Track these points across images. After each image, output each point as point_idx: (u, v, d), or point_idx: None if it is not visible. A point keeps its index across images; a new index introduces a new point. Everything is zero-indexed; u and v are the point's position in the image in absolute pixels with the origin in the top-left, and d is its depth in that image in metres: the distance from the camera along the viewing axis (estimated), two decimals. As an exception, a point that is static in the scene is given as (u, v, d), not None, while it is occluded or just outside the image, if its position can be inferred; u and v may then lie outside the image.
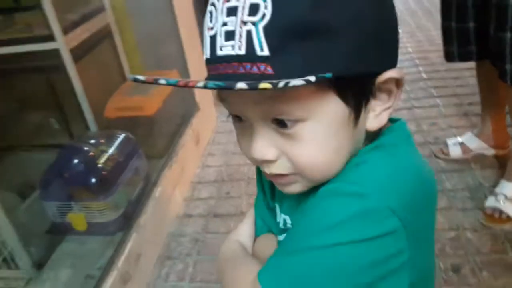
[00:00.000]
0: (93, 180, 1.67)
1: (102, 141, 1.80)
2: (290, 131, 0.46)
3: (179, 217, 2.05)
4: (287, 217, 0.60)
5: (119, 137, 1.85)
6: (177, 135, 2.28)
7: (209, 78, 0.47)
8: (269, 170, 0.50)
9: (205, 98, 2.58)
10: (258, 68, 0.42)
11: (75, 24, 1.99)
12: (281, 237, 0.61)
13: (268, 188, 0.65)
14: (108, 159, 1.74)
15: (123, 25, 2.35)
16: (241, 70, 0.43)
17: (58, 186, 1.67)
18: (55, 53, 1.83)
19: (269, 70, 0.42)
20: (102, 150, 1.75)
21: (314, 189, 0.50)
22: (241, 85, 0.39)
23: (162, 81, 0.43)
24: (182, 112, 2.45)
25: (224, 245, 0.66)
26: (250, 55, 0.42)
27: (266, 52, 0.41)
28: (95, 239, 1.71)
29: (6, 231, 1.47)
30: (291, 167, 0.49)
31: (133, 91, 2.15)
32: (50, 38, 1.81)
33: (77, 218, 1.68)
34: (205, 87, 0.41)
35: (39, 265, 1.59)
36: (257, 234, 0.66)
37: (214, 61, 0.45)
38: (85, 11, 2.13)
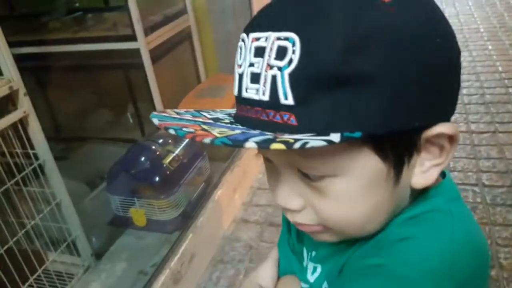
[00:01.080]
0: (157, 178, 1.72)
1: (170, 141, 1.85)
2: (318, 185, 0.42)
3: (236, 221, 2.05)
4: (318, 266, 0.55)
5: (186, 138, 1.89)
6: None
7: (235, 116, 0.44)
8: (293, 218, 0.46)
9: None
10: (282, 117, 0.38)
11: (158, 25, 2.07)
12: (305, 285, 0.57)
13: (295, 230, 0.61)
14: (173, 159, 1.78)
15: (203, 27, 2.41)
16: (264, 117, 0.39)
17: (124, 181, 1.74)
18: (136, 52, 1.92)
19: (293, 121, 0.38)
20: (168, 150, 1.80)
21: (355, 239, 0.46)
22: (251, 144, 0.35)
23: (171, 131, 0.40)
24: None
25: None
26: (274, 102, 0.38)
27: (290, 101, 0.37)
28: (153, 236, 1.76)
29: (72, 219, 1.55)
30: (317, 219, 0.44)
31: (205, 93, 2.19)
32: (133, 38, 1.90)
33: (138, 213, 1.74)
34: (212, 142, 0.37)
35: (98, 255, 1.66)
36: (280, 275, 0.62)
37: (240, 101, 0.42)
38: (168, 12, 2.21)
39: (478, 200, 1.88)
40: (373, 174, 0.41)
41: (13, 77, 1.32)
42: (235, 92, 0.43)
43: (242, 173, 2.15)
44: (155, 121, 0.43)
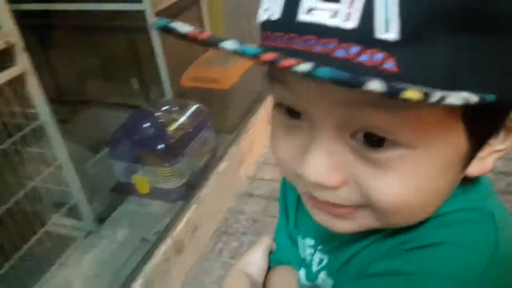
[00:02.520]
0: (161, 145, 1.67)
1: (175, 109, 1.81)
2: (382, 156, 0.31)
3: (240, 194, 2.02)
4: (325, 256, 0.46)
5: (191, 107, 1.85)
6: (250, 112, 2.24)
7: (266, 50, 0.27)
8: (323, 196, 0.34)
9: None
10: (371, 57, 0.26)
11: (165, -13, 1.99)
12: (303, 277, 0.50)
13: (293, 215, 0.52)
14: (178, 127, 1.74)
15: (213, -7, 2.33)
16: (339, 54, 0.27)
17: (127, 147, 1.70)
18: (141, 14, 1.84)
19: (390, 64, 0.26)
20: (173, 118, 1.75)
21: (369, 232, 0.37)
22: (375, 85, 0.23)
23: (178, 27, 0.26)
24: (258, 89, 2.40)
25: (230, 280, 0.56)
26: (364, 33, 0.26)
27: (393, 34, 0.25)
28: (156, 204, 1.73)
29: (73, 182, 1.52)
30: (359, 198, 0.33)
31: (212, 61, 2.13)
32: (138, -1, 1.82)
33: (141, 180, 1.71)
34: (310, 74, 0.24)
35: (100, 220, 1.63)
36: (272, 264, 0.56)
37: (286, 27, 0.28)
38: (177, -26, 2.12)
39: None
40: (455, 154, 0.32)
41: (11, 31, 1.25)
42: (277, 13, 0.29)
43: (248, 146, 2.11)
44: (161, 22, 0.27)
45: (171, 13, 2.07)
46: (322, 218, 0.37)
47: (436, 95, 0.24)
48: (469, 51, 0.26)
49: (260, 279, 0.55)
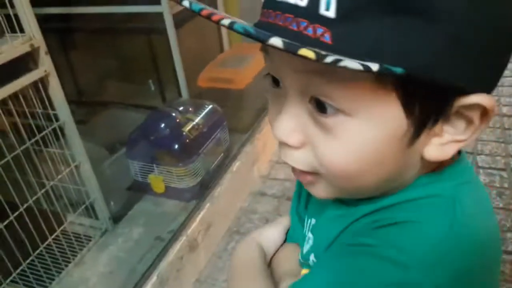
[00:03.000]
0: (176, 146, 1.71)
1: (191, 109, 1.83)
2: (328, 121, 0.36)
3: (253, 194, 2.04)
4: (311, 236, 0.51)
5: (207, 107, 1.87)
6: (264, 112, 2.25)
7: (258, 23, 0.37)
8: (285, 157, 0.41)
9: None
10: (315, 31, 0.32)
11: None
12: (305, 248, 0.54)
13: (305, 196, 0.57)
14: (193, 127, 1.76)
15: (229, -4, 2.35)
16: (293, 27, 0.33)
17: (144, 147, 1.73)
18: (159, 16, 1.88)
19: (327, 37, 0.32)
20: (188, 118, 1.78)
21: (349, 214, 0.42)
22: (276, 41, 0.29)
23: (185, 3, 0.34)
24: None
25: (243, 245, 0.59)
26: (311, 11, 0.32)
27: (331, 13, 0.32)
28: (170, 203, 1.76)
29: (91, 181, 1.56)
30: (313, 164, 0.40)
31: (227, 63, 2.16)
32: (157, 1, 1.86)
33: (156, 180, 1.74)
34: (230, 27, 0.31)
35: (116, 219, 1.67)
36: (287, 241, 0.59)
37: (269, 5, 0.36)
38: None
39: (506, 185, 1.83)
40: (392, 127, 0.36)
41: (34, 35, 1.30)
42: None
43: (261, 146, 2.13)
44: None
45: (189, 14, 2.10)
46: (305, 186, 0.44)
47: (330, 58, 0.30)
48: (392, 31, 0.32)
49: (271, 251, 0.58)
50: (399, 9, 0.31)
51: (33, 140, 1.36)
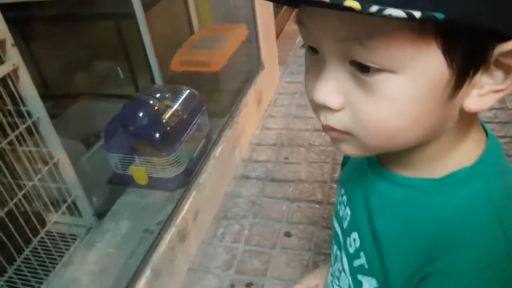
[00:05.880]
0: (157, 135, 1.64)
1: (167, 95, 1.76)
2: (371, 79, 0.37)
3: (237, 177, 2.02)
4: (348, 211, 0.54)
5: (184, 92, 1.81)
6: (240, 94, 2.21)
7: None
8: (325, 120, 0.42)
9: (270, 57, 2.48)
10: None
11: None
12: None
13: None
14: (172, 114, 1.70)
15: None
16: None
17: (122, 138, 1.66)
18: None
19: None
20: (167, 105, 1.71)
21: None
22: None
23: None
24: (246, 70, 2.37)
25: None
26: None
27: None
28: (155, 194, 1.70)
29: (71, 178, 1.48)
30: (349, 125, 0.41)
31: (199, 44, 2.09)
32: (122, -16, 1.77)
33: (138, 171, 1.68)
34: None
35: (100, 215, 1.60)
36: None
37: None
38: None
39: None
40: (434, 78, 0.37)
41: (-2, 26, 1.20)
42: None
43: (241, 129, 2.09)
44: None
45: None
46: (332, 142, 0.45)
47: (374, 7, 0.30)
48: None
49: None
50: None
51: (7, 140, 1.27)
